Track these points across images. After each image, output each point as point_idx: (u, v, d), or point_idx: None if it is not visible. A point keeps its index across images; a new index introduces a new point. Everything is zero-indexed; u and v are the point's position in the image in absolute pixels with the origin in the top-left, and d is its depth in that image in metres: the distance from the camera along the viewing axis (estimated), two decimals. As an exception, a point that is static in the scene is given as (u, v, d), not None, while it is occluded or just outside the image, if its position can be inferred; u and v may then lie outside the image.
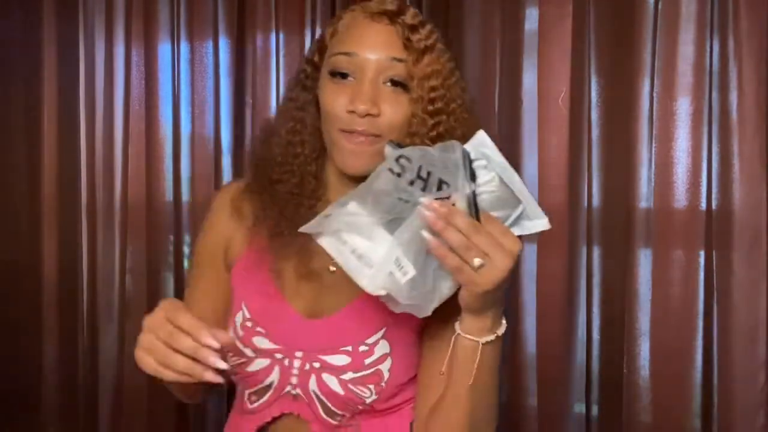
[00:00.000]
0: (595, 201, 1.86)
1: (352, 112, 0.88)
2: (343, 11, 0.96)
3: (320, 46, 0.97)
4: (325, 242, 0.77)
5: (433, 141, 0.87)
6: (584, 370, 1.88)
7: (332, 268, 0.97)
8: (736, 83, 1.72)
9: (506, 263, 0.73)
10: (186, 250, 2.26)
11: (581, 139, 1.85)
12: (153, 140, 2.27)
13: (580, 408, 1.90)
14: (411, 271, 0.74)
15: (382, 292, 0.75)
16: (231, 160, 2.20)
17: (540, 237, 1.86)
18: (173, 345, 0.76)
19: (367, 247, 0.75)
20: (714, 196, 1.75)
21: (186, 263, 2.26)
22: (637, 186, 1.80)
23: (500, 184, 0.76)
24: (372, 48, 0.89)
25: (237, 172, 2.20)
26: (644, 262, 1.80)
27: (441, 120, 0.90)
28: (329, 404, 0.94)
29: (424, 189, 0.73)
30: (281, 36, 2.14)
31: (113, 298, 2.33)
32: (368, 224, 0.74)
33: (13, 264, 2.37)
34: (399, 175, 0.74)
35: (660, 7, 1.78)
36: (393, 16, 0.90)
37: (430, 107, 0.89)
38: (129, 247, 2.31)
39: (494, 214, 0.75)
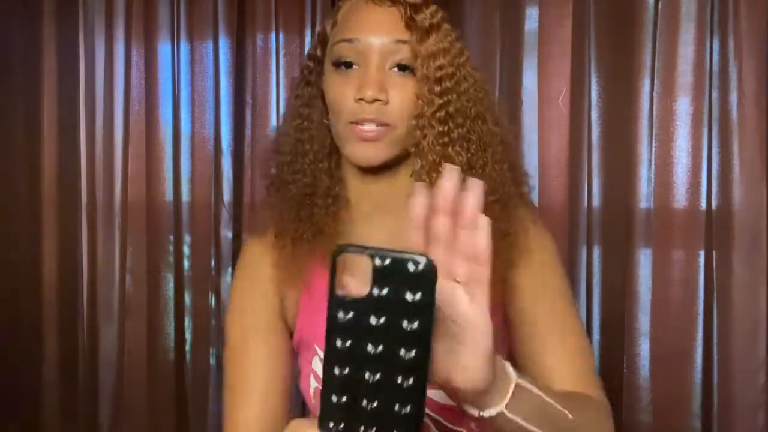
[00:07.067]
0: (595, 201, 1.86)
1: (361, 100, 0.84)
2: (342, 1, 0.92)
3: (321, 39, 0.92)
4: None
5: (441, 122, 0.85)
6: (584, 370, 1.88)
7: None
8: (736, 83, 1.72)
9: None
10: (186, 250, 2.26)
11: (581, 139, 1.85)
12: (153, 140, 2.27)
13: (580, 408, 1.90)
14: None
15: None
16: (231, 160, 2.20)
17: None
18: None
19: None
20: (714, 196, 1.75)
21: (186, 263, 2.26)
22: (637, 186, 1.80)
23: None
24: (375, 31, 0.85)
25: (237, 172, 2.20)
26: (644, 262, 1.80)
27: (450, 99, 0.85)
28: (443, 420, 0.89)
29: None
30: (281, 36, 2.14)
31: (113, 298, 2.33)
32: None
33: (13, 264, 2.37)
34: None
35: (660, 7, 1.78)
36: None
37: (437, 87, 0.84)
38: (129, 247, 2.31)
39: None
